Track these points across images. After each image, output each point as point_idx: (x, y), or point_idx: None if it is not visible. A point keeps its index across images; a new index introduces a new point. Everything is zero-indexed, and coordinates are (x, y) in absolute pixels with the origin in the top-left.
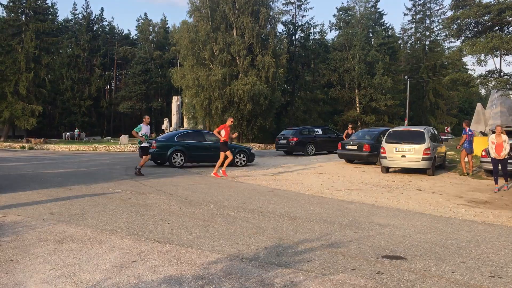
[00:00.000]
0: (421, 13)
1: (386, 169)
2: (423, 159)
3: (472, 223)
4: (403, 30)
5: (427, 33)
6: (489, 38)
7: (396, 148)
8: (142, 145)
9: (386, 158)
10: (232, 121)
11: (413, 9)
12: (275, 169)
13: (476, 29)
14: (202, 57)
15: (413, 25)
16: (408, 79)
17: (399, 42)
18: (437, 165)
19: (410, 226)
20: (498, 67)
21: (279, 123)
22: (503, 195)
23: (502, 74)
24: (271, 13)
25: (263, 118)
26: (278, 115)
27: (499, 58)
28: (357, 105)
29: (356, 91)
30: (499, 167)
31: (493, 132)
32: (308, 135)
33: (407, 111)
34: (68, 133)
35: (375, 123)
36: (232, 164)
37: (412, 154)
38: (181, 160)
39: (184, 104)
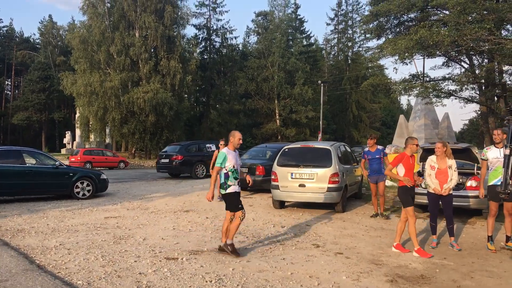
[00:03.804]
0: (343, 23)
1: (280, 204)
2: (329, 189)
3: None
4: (326, 41)
5: (350, 44)
6: (414, 31)
7: (292, 173)
8: (229, 190)
9: (278, 188)
10: None
11: (335, 19)
12: (129, 203)
13: (398, 29)
14: (96, 60)
15: (336, 35)
16: (322, 84)
17: (322, 52)
18: (350, 195)
19: None
20: (421, 71)
21: (192, 137)
22: (446, 256)
23: (427, 79)
24: (179, 13)
25: (169, 130)
26: (190, 127)
27: (422, 60)
28: (277, 117)
29: (276, 102)
30: (440, 206)
31: (433, 150)
32: (197, 152)
33: (320, 122)
34: None
35: (296, 137)
36: (70, 196)
37: (314, 182)
38: None
39: (77, 114)
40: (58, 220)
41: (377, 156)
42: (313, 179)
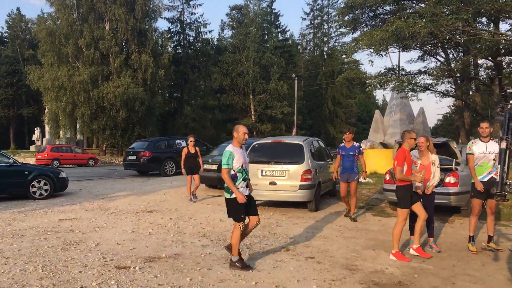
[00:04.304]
0: (319, 18)
1: None
2: (302, 187)
3: None
4: (302, 36)
5: (325, 39)
6: (390, 23)
7: (262, 170)
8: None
9: None
10: None
11: (311, 13)
12: (89, 203)
13: (373, 22)
14: (64, 54)
15: (312, 31)
16: (297, 78)
17: (298, 48)
18: (324, 193)
19: None
20: (397, 64)
21: (166, 133)
22: (424, 259)
23: (403, 72)
24: (150, 5)
25: (141, 126)
26: (164, 123)
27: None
28: (252, 112)
29: (251, 97)
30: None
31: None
32: (166, 149)
33: (295, 117)
34: None
35: (271, 133)
36: (26, 196)
37: (285, 179)
38: None
39: (46, 110)
40: (5, 224)
41: (351, 153)
42: (284, 176)
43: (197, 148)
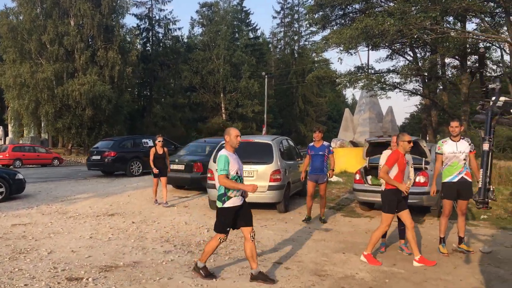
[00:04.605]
0: (289, 16)
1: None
2: (270, 188)
3: None
4: (272, 34)
5: (296, 38)
6: (359, 20)
7: None
8: (227, 204)
9: (215, 187)
10: None
11: (282, 12)
12: (47, 206)
13: (343, 21)
14: (27, 50)
15: (282, 29)
16: (266, 76)
17: (269, 46)
18: (294, 193)
19: None
20: (366, 63)
21: (135, 132)
22: (395, 262)
23: (372, 71)
24: (117, 1)
25: (109, 125)
26: (132, 122)
27: (367, 52)
28: (223, 111)
29: (222, 95)
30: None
31: (381, 144)
32: (133, 148)
33: (265, 115)
34: None
35: (242, 131)
36: None
37: (254, 180)
38: None
39: (8, 108)
40: None
41: (320, 153)
42: (252, 176)
43: (165, 149)
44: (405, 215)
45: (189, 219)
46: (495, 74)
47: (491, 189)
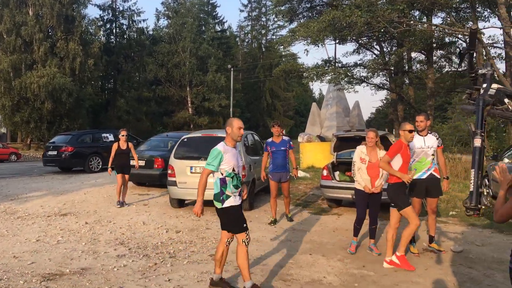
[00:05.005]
0: (256, 10)
1: (178, 202)
2: None
3: None
4: (240, 28)
5: (263, 31)
6: (327, 13)
7: (191, 167)
8: (227, 204)
9: (176, 185)
10: None
11: (249, 5)
12: None
13: (310, 14)
14: None
15: (250, 23)
16: (232, 69)
17: (236, 40)
18: (260, 189)
19: None
20: (333, 56)
21: (98, 126)
22: (365, 263)
23: (339, 65)
24: None
25: (70, 119)
26: (95, 116)
27: (334, 46)
28: (189, 105)
29: (188, 89)
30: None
31: (349, 138)
32: (92, 143)
33: (231, 109)
34: None
35: (209, 126)
36: None
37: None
38: None
39: None
40: None
41: (282, 148)
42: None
43: (130, 144)
44: (395, 212)
45: (147, 218)
46: (460, 69)
47: (485, 193)
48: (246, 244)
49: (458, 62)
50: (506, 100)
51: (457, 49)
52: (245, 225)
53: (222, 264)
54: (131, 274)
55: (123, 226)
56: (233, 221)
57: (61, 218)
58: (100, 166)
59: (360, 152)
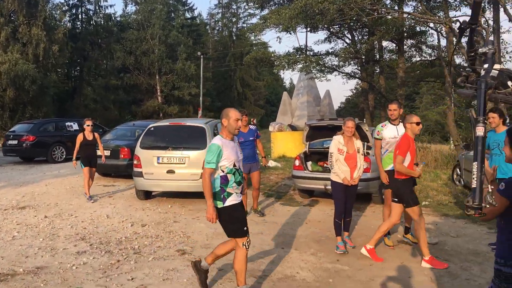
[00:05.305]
0: None
1: (145, 194)
2: None
3: None
4: (210, 15)
5: (234, 19)
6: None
7: (158, 157)
8: (229, 202)
9: (142, 176)
10: None
11: None
12: None
13: (282, 1)
14: None
15: (220, 10)
16: (202, 56)
17: (206, 27)
18: None
19: None
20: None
21: (64, 115)
22: (339, 257)
23: (311, 53)
24: None
25: (34, 107)
26: (61, 104)
27: (305, 34)
28: (159, 93)
29: (157, 77)
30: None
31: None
32: (55, 132)
33: (201, 97)
34: None
35: (179, 114)
36: None
37: (186, 167)
38: None
39: None
40: None
41: (251, 138)
42: (184, 163)
43: (96, 134)
44: (399, 209)
45: (112, 211)
46: (430, 59)
47: (490, 190)
48: (247, 247)
49: (457, 37)
50: (509, 83)
51: (458, 23)
52: (246, 228)
53: (217, 258)
54: (91, 273)
55: (85, 220)
56: (233, 223)
57: (18, 212)
58: (64, 156)
59: (337, 143)
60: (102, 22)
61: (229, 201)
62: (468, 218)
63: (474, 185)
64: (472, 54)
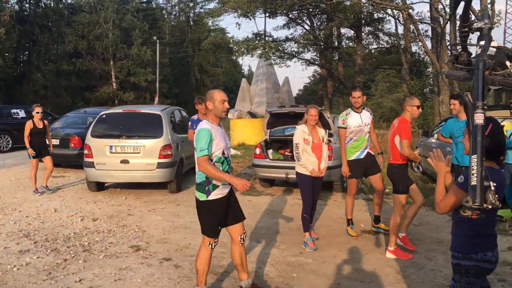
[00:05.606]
0: None
1: (97, 186)
2: (160, 165)
3: None
4: (167, 0)
5: (191, 4)
6: None
7: (111, 146)
8: (213, 196)
9: (93, 166)
10: None
11: None
12: None
13: None
14: None
15: None
16: (158, 41)
17: (163, 12)
18: (188, 170)
19: None
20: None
21: (12, 101)
22: (301, 250)
23: (270, 39)
24: None
25: None
26: (9, 90)
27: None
28: (113, 79)
29: (111, 63)
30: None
31: (283, 115)
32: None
33: (157, 84)
34: None
35: (135, 101)
36: None
37: (140, 157)
38: None
39: None
40: None
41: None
42: (139, 153)
43: (46, 122)
44: (415, 190)
45: (60, 205)
46: (388, 46)
47: (491, 187)
48: (213, 247)
49: (451, 9)
50: (508, 63)
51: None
52: (219, 228)
53: (245, 267)
54: (34, 275)
55: (30, 215)
56: (212, 219)
57: None
58: (10, 146)
59: (302, 133)
60: (52, 5)
61: (214, 195)
62: (429, 206)
63: (474, 183)
64: (466, 29)
